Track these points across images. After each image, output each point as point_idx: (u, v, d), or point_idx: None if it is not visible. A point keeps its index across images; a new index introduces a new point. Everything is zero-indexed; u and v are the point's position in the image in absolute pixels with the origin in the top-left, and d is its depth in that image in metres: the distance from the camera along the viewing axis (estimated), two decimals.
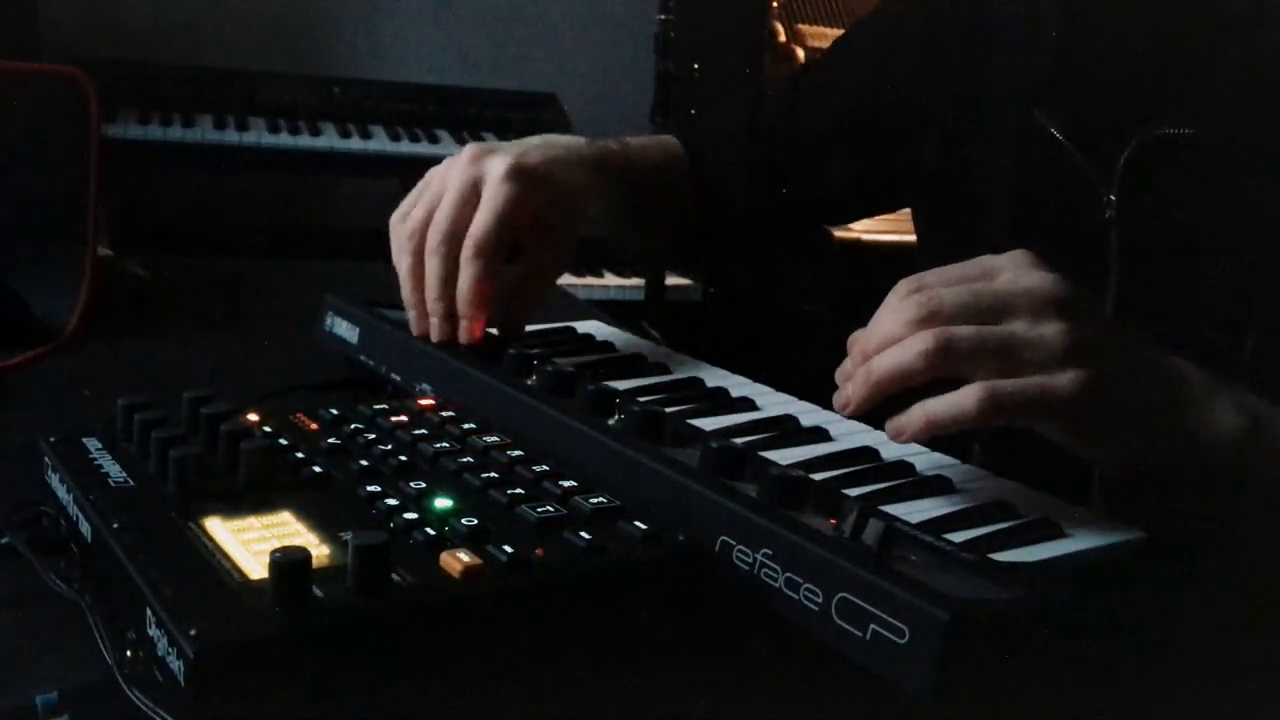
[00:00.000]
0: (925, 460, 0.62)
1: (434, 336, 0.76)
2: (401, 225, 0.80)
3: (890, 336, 0.57)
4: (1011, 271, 0.59)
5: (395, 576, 0.45)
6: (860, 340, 0.59)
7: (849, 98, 0.98)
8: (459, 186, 0.77)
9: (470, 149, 0.80)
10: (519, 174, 0.77)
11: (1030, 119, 0.82)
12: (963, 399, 0.55)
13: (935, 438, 0.58)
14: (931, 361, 0.55)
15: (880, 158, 0.96)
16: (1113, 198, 0.79)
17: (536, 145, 0.82)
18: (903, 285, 0.59)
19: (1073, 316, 0.57)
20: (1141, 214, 0.79)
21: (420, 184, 0.82)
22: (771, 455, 0.60)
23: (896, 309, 0.57)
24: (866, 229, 2.42)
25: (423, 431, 0.62)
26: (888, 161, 0.96)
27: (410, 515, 0.50)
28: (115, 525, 0.49)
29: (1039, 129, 0.82)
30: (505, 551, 0.47)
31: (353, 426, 0.62)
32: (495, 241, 0.75)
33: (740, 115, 1.05)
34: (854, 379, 0.58)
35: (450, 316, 0.76)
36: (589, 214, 0.86)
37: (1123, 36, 0.81)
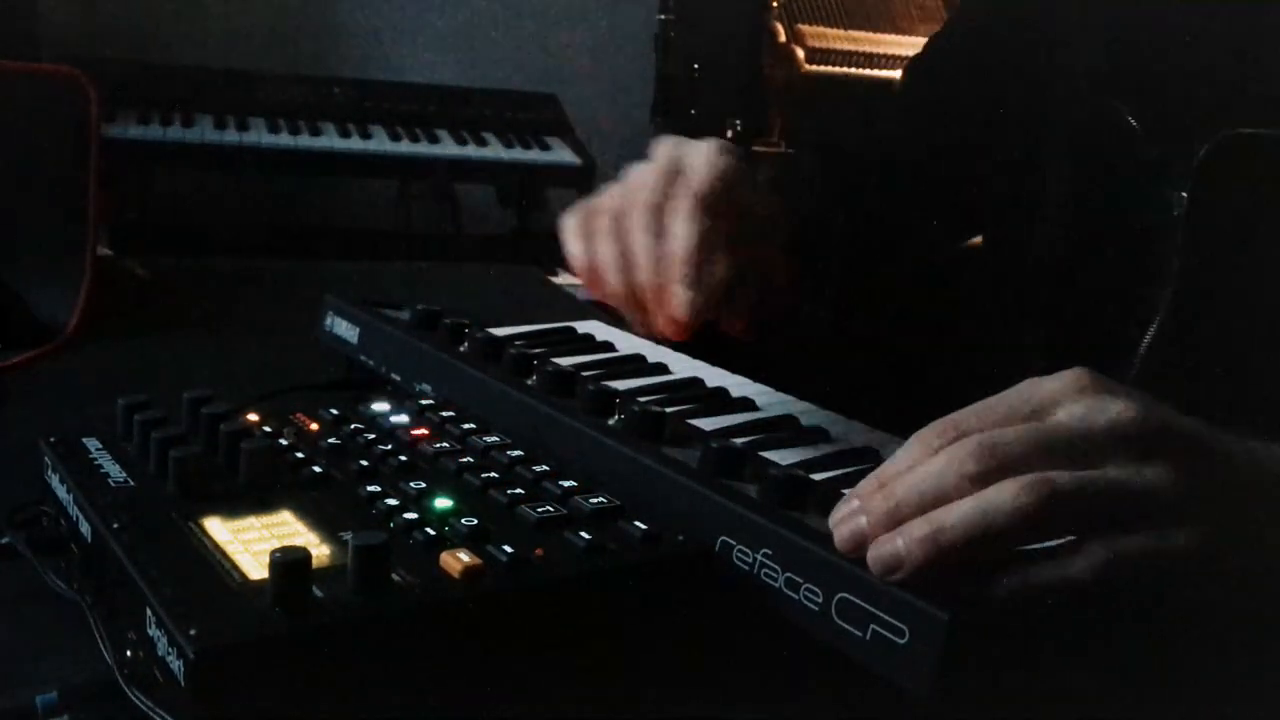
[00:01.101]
0: None
1: (662, 328, 0.65)
2: (585, 216, 0.70)
3: (941, 491, 0.45)
4: (1073, 403, 0.47)
5: (395, 576, 0.45)
6: (889, 491, 0.47)
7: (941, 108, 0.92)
8: (659, 169, 0.68)
9: (664, 140, 0.72)
10: (729, 146, 0.69)
11: (1104, 105, 0.77)
12: (1073, 568, 0.44)
13: None
14: (1031, 520, 0.43)
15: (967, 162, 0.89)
16: (1184, 195, 0.72)
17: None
18: (934, 429, 0.48)
19: (1175, 455, 0.46)
20: (1212, 214, 0.72)
21: (614, 187, 0.72)
22: (771, 455, 0.60)
23: (951, 456, 0.46)
24: None
25: (423, 431, 0.62)
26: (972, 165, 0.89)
27: (410, 515, 0.50)
28: (115, 525, 0.49)
29: (1112, 116, 0.75)
30: (505, 551, 0.47)
31: (353, 426, 0.62)
32: (712, 192, 0.65)
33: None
34: (909, 536, 0.45)
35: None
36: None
37: (1201, 26, 0.75)
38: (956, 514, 0.44)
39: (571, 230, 0.70)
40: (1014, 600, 0.44)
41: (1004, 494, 0.44)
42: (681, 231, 0.64)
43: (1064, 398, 0.48)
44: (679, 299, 0.62)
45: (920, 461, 0.47)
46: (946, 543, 0.44)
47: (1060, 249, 0.79)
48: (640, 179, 0.68)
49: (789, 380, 0.75)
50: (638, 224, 0.65)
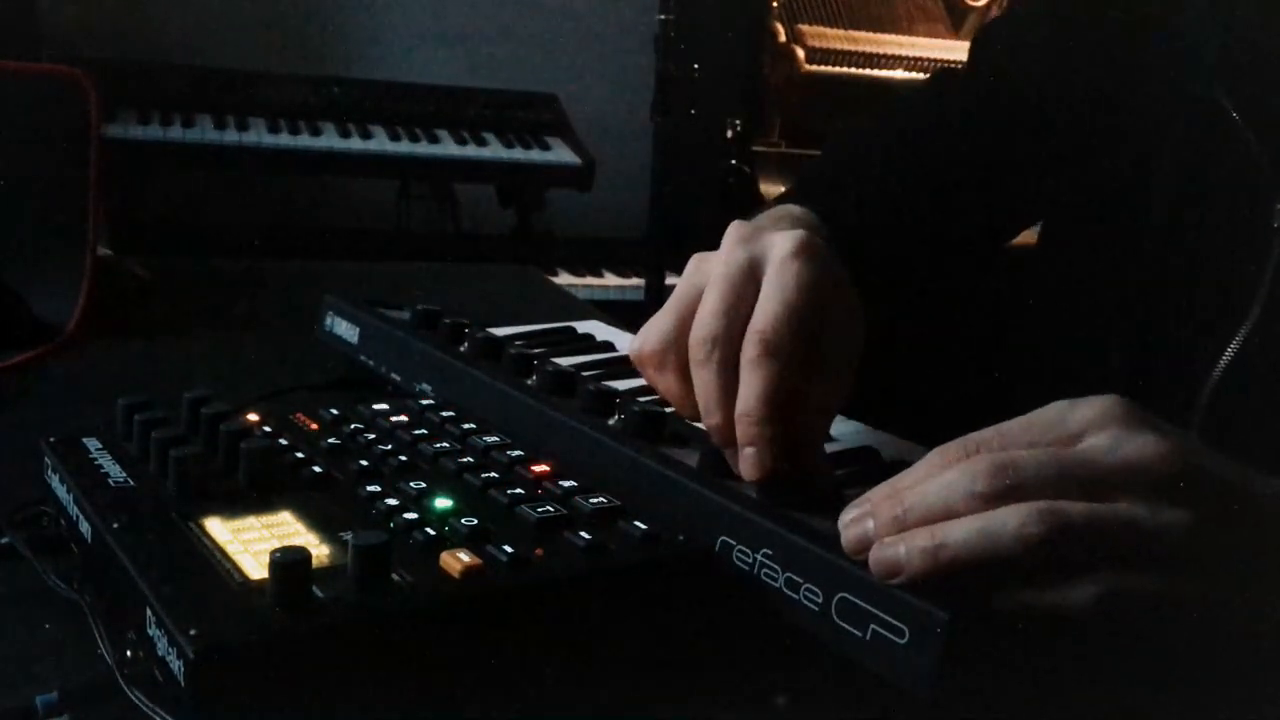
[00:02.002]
0: None
1: (747, 472, 0.54)
2: (643, 348, 0.59)
3: (948, 505, 0.45)
4: (1102, 432, 0.46)
5: (395, 576, 0.45)
6: (898, 498, 0.46)
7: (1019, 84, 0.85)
8: (729, 283, 0.56)
9: (734, 231, 0.59)
10: (813, 247, 0.57)
11: (1205, 98, 0.72)
12: (1076, 597, 0.43)
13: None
14: (1032, 547, 0.42)
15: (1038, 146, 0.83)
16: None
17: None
18: (955, 446, 0.47)
19: (1196, 500, 0.44)
20: None
21: (670, 298, 0.60)
22: None
23: (963, 472, 0.45)
24: None
25: (423, 431, 0.62)
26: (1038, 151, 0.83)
27: (410, 515, 0.50)
28: (115, 525, 0.49)
29: (1213, 109, 0.71)
30: (505, 551, 0.47)
31: (353, 426, 0.62)
32: (791, 336, 0.54)
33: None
34: (911, 545, 0.44)
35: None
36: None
37: None
38: (960, 531, 0.44)
39: (642, 352, 0.60)
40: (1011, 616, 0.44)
41: (1010, 518, 0.43)
42: (749, 388, 0.53)
43: (1093, 426, 0.46)
44: (743, 459, 0.53)
45: (935, 474, 0.46)
46: (946, 558, 0.44)
47: (1140, 248, 0.76)
48: (708, 293, 0.56)
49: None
50: (700, 363, 0.55)
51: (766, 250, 0.57)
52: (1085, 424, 0.46)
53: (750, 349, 0.53)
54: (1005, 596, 0.44)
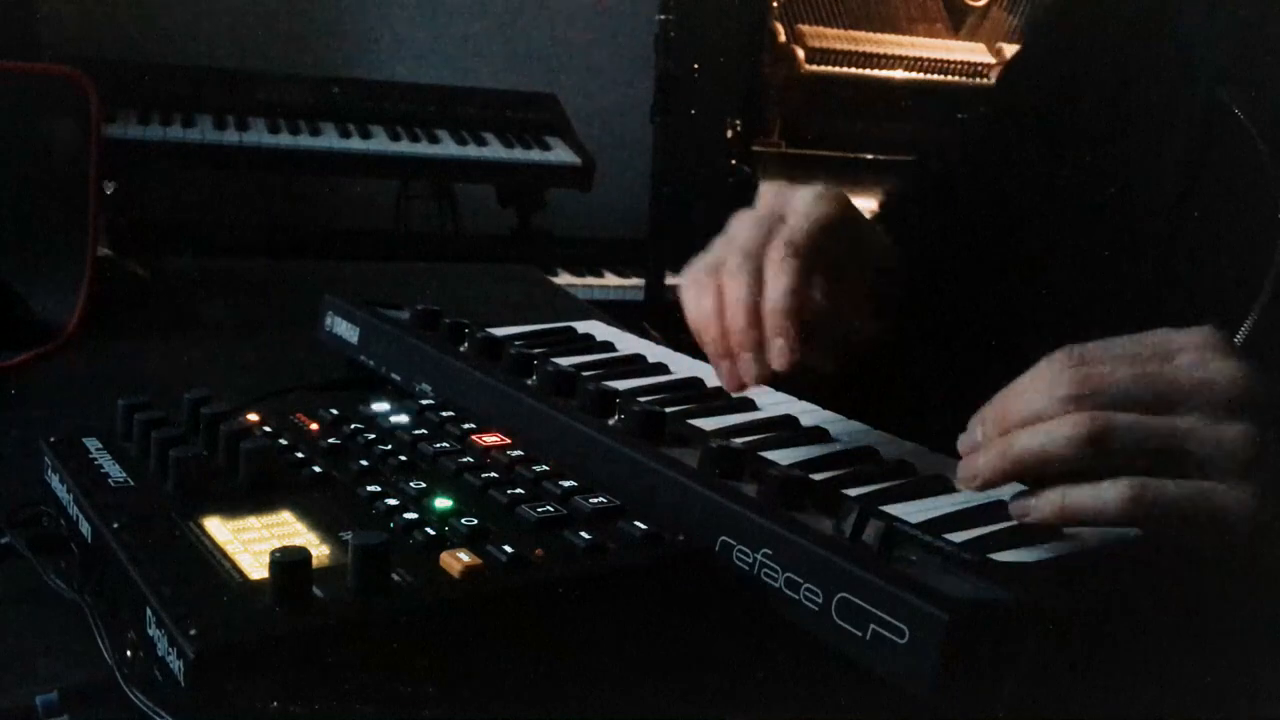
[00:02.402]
0: (925, 460, 0.62)
1: (749, 377, 0.63)
2: (692, 271, 0.68)
3: (1037, 411, 0.51)
4: (1193, 355, 0.51)
5: (395, 576, 0.45)
6: (999, 406, 0.52)
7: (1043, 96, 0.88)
8: (759, 216, 0.66)
9: (767, 184, 0.70)
10: (831, 194, 0.67)
11: (1211, 98, 0.74)
12: (1106, 494, 0.48)
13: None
14: (1080, 450, 0.49)
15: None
16: None
17: None
18: (1061, 354, 0.52)
19: (1259, 419, 0.49)
20: None
21: (715, 240, 0.69)
22: (771, 455, 0.60)
23: (1052, 380, 0.51)
24: None
25: (423, 431, 0.62)
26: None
27: (410, 515, 0.50)
28: (115, 525, 0.49)
29: (1219, 109, 0.73)
30: (505, 551, 0.47)
31: (353, 426, 0.62)
32: (809, 243, 0.63)
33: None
34: (988, 450, 0.52)
35: (760, 348, 0.63)
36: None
37: None
38: (1025, 438, 0.50)
39: (685, 286, 0.68)
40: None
41: (1064, 424, 0.49)
42: (777, 282, 0.62)
43: (1185, 348, 0.51)
44: (773, 350, 0.61)
45: (1036, 383, 0.51)
46: (1012, 457, 0.50)
47: (1146, 244, 0.77)
48: (739, 227, 0.66)
49: (788, 380, 0.74)
50: (733, 273, 0.64)
51: (790, 198, 0.67)
52: (1179, 345, 0.51)
53: (775, 252, 0.63)
54: (1048, 497, 0.50)
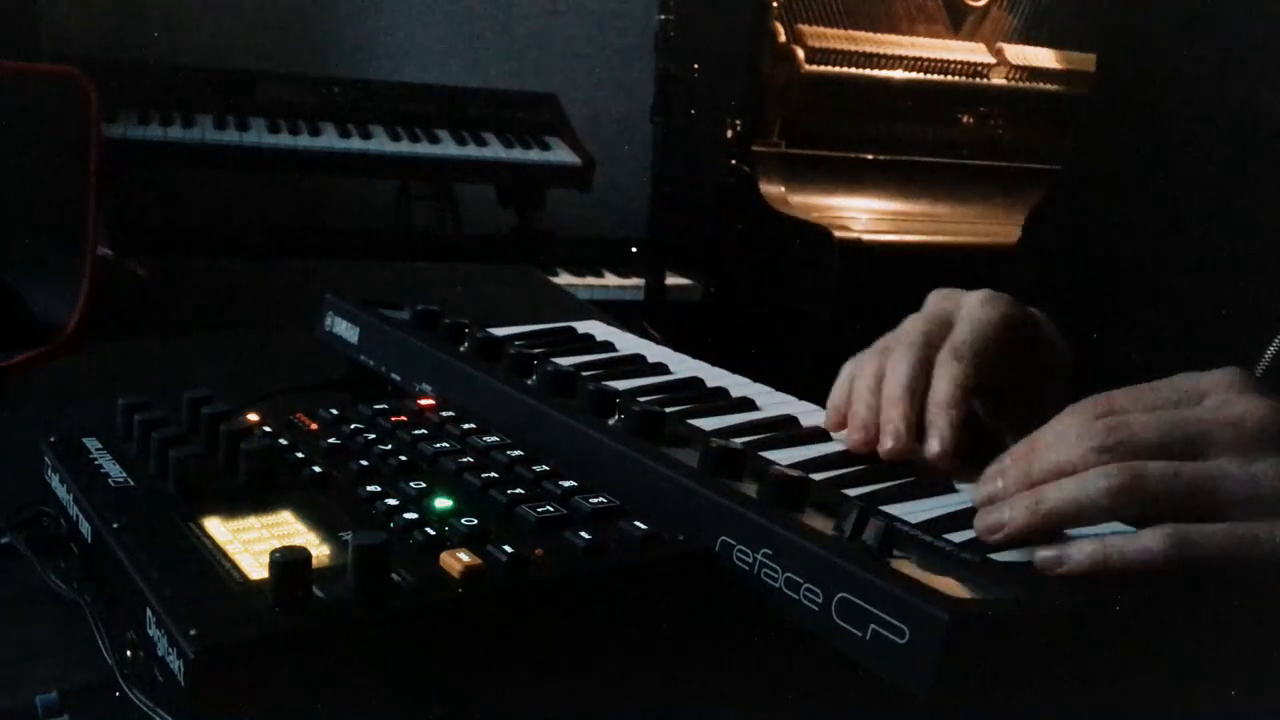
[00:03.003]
0: (926, 461, 0.62)
1: (886, 445, 0.62)
2: (853, 360, 0.69)
3: (1065, 463, 0.50)
4: (1219, 396, 0.51)
5: (395, 576, 0.45)
6: (1023, 458, 0.52)
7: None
8: (927, 317, 0.67)
9: (934, 294, 0.70)
10: (1000, 298, 0.68)
11: (1256, 98, 0.75)
12: (1147, 543, 0.47)
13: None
14: (1116, 501, 0.48)
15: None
16: None
17: None
18: (1087, 403, 0.52)
19: None
20: None
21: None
22: (771, 455, 0.60)
23: (1079, 431, 0.50)
24: (866, 229, 2.42)
25: (423, 431, 0.62)
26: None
27: (410, 515, 0.50)
28: (115, 525, 0.49)
29: (1263, 110, 0.74)
30: (505, 551, 0.47)
31: (353, 426, 0.62)
32: (978, 350, 0.64)
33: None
34: (1015, 504, 0.50)
35: (908, 421, 0.63)
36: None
37: None
38: (1056, 490, 0.49)
39: (846, 365, 0.69)
40: (1093, 574, 0.48)
41: (1097, 476, 0.49)
42: (942, 380, 0.63)
43: (1211, 390, 0.51)
44: (931, 440, 0.61)
45: (1062, 434, 0.51)
46: (1043, 513, 0.49)
47: (1188, 243, 0.77)
48: (908, 326, 0.67)
49: (789, 380, 0.74)
50: (899, 360, 0.64)
51: (962, 298, 0.68)
52: (1206, 388, 0.52)
53: (945, 354, 0.64)
54: (1088, 550, 0.48)
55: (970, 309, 0.67)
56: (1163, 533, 0.47)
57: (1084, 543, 0.49)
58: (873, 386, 0.64)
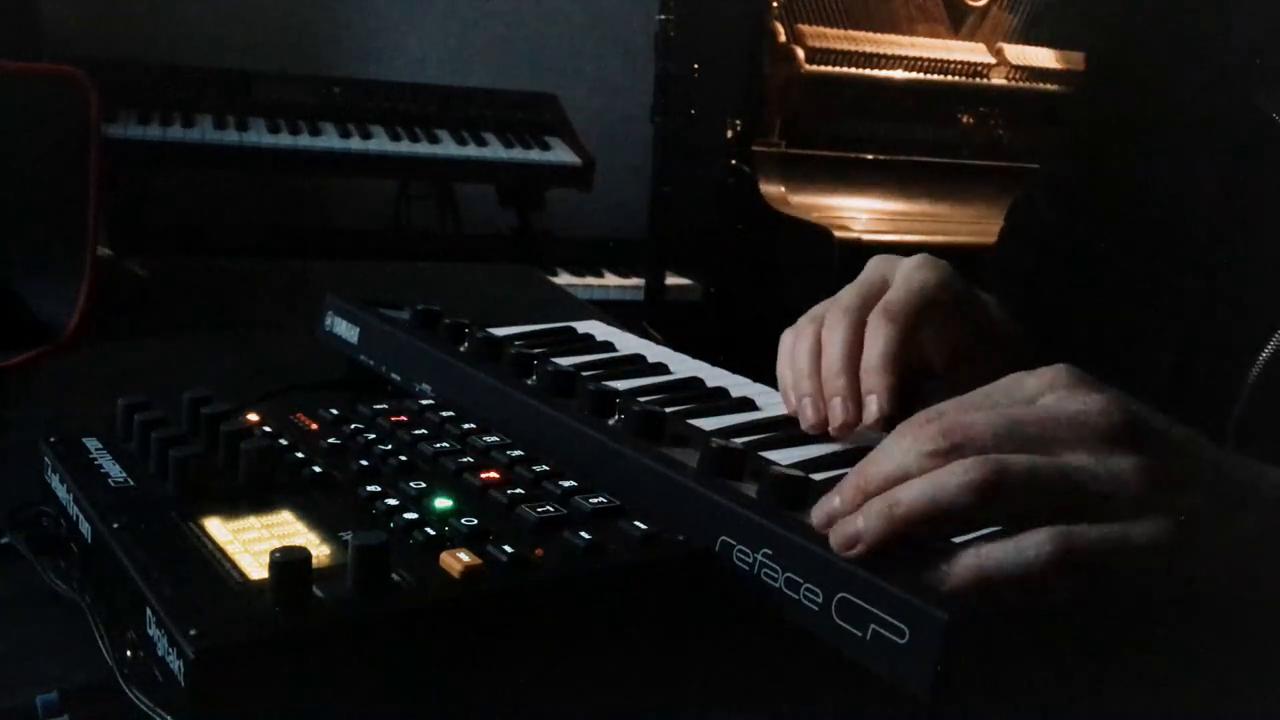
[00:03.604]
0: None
1: (836, 421, 0.62)
2: (793, 329, 0.70)
3: (900, 470, 0.47)
4: (1055, 393, 0.49)
5: (395, 576, 0.45)
6: (860, 470, 0.49)
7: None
8: (861, 282, 0.69)
9: (872, 260, 0.72)
10: (933, 261, 0.69)
11: (1248, 104, 0.74)
12: (1027, 548, 0.44)
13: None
14: (976, 497, 0.44)
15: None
16: None
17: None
18: (917, 416, 0.49)
19: (1142, 447, 0.47)
20: None
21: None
22: (771, 455, 0.60)
23: (915, 438, 0.48)
24: (866, 229, 2.42)
25: (423, 431, 0.62)
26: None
27: (410, 515, 0.50)
28: (115, 525, 0.49)
29: (1257, 115, 0.73)
30: (505, 551, 0.47)
31: (353, 426, 0.62)
32: (910, 310, 0.65)
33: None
34: (869, 510, 0.47)
35: (853, 396, 0.63)
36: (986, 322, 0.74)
37: None
38: (909, 490, 0.46)
39: (785, 334, 0.70)
40: (971, 586, 0.45)
41: (955, 470, 0.45)
42: (875, 343, 0.64)
43: (1044, 390, 0.49)
44: (869, 406, 0.62)
45: (894, 444, 0.49)
46: (899, 517, 0.46)
47: (1195, 247, 0.78)
48: (843, 293, 0.69)
49: None
50: (833, 326, 0.66)
51: (896, 263, 0.69)
52: (1038, 389, 0.50)
53: (876, 317, 0.65)
54: (962, 562, 0.45)
55: (905, 271, 0.68)
56: (1044, 535, 0.44)
57: (961, 556, 0.45)
58: (812, 362, 0.65)
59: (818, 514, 0.49)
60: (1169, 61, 0.82)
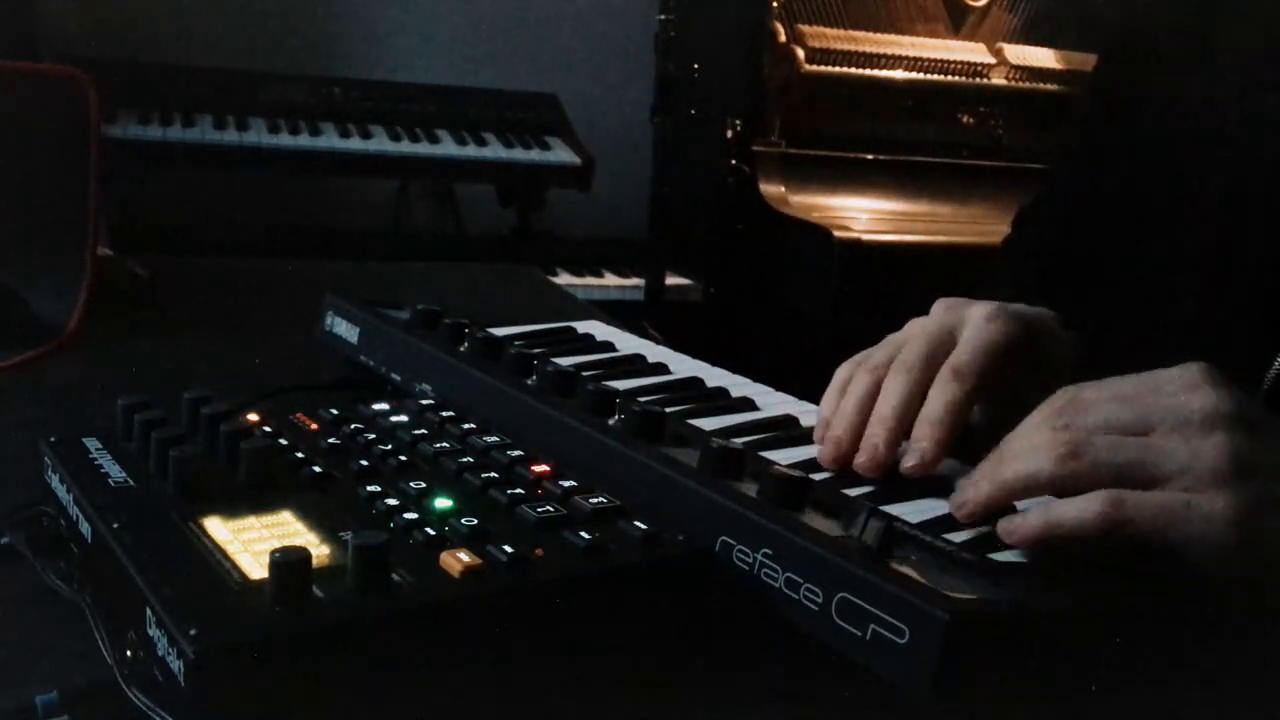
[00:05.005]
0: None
1: (864, 458, 0.61)
2: (850, 366, 0.68)
3: (1027, 439, 0.53)
4: (1177, 384, 0.53)
5: (395, 576, 0.45)
6: (997, 469, 0.54)
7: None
8: (933, 331, 0.66)
9: (940, 304, 0.69)
10: (1004, 313, 0.67)
11: (1255, 101, 0.75)
12: (1084, 505, 0.49)
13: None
14: (1060, 467, 0.51)
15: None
16: None
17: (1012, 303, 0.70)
18: (1059, 394, 0.55)
19: (1239, 432, 0.50)
20: None
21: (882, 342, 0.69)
22: (771, 455, 0.60)
23: (1043, 415, 0.54)
24: (866, 229, 2.42)
25: (423, 431, 0.62)
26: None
27: (410, 515, 0.50)
28: (115, 525, 0.49)
29: (1264, 118, 0.74)
30: (505, 551, 0.47)
31: (353, 426, 0.62)
32: (979, 372, 0.63)
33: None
34: (978, 477, 0.54)
35: (890, 443, 0.62)
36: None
37: None
38: (1011, 462, 0.53)
39: (842, 368, 0.68)
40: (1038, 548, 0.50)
41: (1045, 445, 0.52)
42: (937, 400, 0.62)
43: (1172, 379, 0.53)
44: (911, 454, 0.61)
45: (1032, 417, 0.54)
46: (999, 481, 0.53)
47: (1212, 249, 0.78)
48: (911, 337, 0.66)
49: (789, 380, 0.74)
50: (897, 372, 0.64)
51: (965, 312, 0.67)
52: (1168, 379, 0.53)
53: (945, 375, 0.63)
54: (1032, 517, 0.51)
55: (975, 326, 0.66)
56: (1099, 496, 0.49)
57: (1032, 511, 0.51)
58: (860, 406, 0.63)
59: (961, 483, 0.55)
60: (1176, 65, 0.82)
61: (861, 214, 2.54)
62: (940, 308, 0.68)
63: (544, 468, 0.57)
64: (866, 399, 0.63)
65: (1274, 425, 0.52)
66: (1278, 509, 0.49)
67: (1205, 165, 0.79)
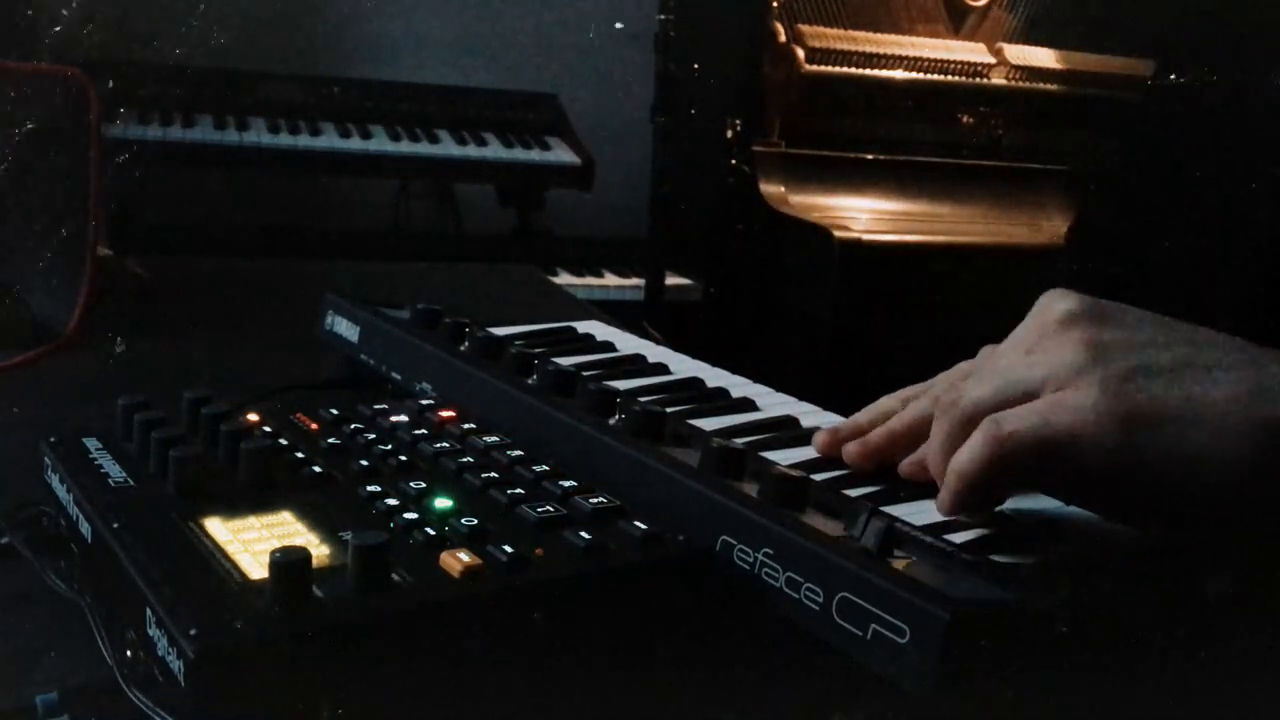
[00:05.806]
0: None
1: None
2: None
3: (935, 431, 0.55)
4: (1036, 310, 0.53)
5: (395, 576, 0.45)
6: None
7: None
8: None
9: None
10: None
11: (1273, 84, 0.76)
12: (971, 440, 0.49)
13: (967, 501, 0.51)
14: (947, 427, 0.53)
15: None
16: None
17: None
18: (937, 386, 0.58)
19: (1091, 324, 0.50)
20: None
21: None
22: (771, 455, 0.60)
23: (933, 401, 0.57)
24: (866, 229, 2.42)
25: (423, 431, 0.62)
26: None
27: (410, 515, 0.50)
28: (115, 525, 0.49)
29: None
30: (505, 551, 0.47)
31: (353, 426, 0.62)
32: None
33: None
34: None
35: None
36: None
37: None
38: (934, 463, 0.54)
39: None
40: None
41: (937, 421, 0.54)
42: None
43: (1035, 310, 0.54)
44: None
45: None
46: (883, 431, 0.58)
47: (1256, 256, 0.78)
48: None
49: (789, 380, 0.74)
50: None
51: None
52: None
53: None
54: (947, 479, 0.52)
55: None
56: (980, 427, 0.50)
57: (946, 479, 0.52)
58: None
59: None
60: (1236, 66, 0.81)
61: (861, 214, 2.54)
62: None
63: (544, 468, 0.57)
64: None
65: (1123, 309, 0.52)
66: (1140, 376, 0.48)
67: (1261, 176, 0.78)
